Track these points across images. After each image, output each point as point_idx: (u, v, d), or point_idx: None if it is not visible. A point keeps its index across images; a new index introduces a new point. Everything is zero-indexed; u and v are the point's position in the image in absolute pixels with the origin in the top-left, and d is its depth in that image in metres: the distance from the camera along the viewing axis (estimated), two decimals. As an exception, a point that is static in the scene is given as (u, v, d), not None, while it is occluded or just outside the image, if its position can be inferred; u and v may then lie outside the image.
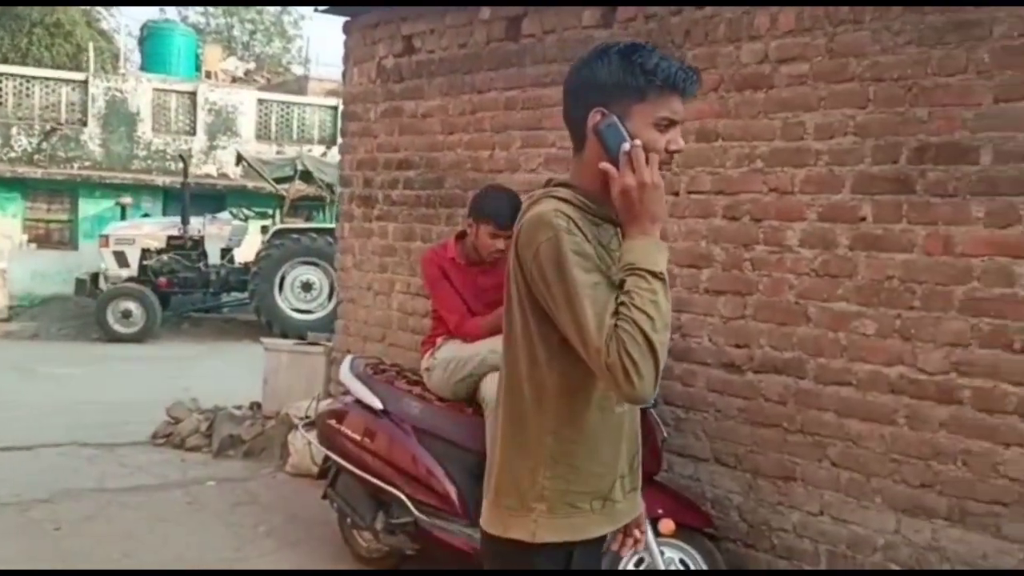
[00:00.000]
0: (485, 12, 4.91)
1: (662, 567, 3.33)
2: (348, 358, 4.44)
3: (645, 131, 1.77)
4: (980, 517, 3.14)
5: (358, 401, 4.21)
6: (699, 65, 3.92)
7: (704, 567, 3.56)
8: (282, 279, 13.11)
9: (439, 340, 4.03)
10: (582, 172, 1.85)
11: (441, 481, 3.90)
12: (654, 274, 1.69)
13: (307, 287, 13.26)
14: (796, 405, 3.61)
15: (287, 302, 13.17)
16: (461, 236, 4.04)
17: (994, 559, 3.11)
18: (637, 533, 2.08)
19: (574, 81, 1.85)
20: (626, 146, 1.75)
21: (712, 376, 3.88)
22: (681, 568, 3.55)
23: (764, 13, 3.71)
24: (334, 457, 4.22)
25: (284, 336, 11.49)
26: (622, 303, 1.67)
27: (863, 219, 3.44)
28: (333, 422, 4.25)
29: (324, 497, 4.40)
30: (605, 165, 1.76)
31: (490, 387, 3.69)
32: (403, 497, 3.90)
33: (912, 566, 3.29)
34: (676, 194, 3.94)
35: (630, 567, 3.48)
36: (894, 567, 3.34)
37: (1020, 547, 3.05)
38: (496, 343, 3.76)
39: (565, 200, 1.80)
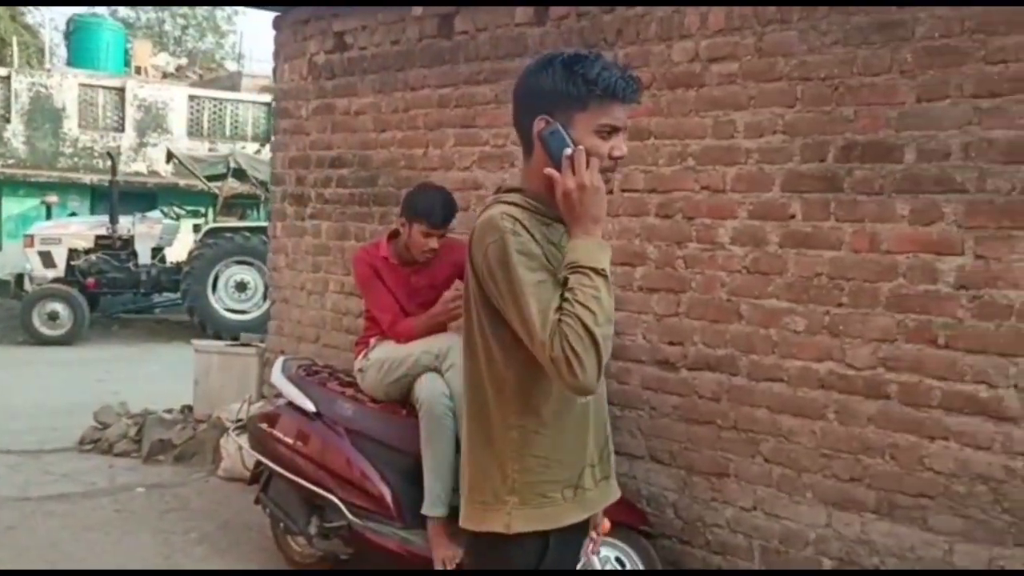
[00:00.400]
0: (417, 9, 4.86)
1: (598, 566, 3.33)
2: (280, 360, 4.36)
3: (587, 138, 1.84)
4: (908, 510, 3.20)
5: (290, 404, 4.14)
6: (631, 63, 3.95)
7: (640, 566, 3.57)
8: (215, 279, 12.87)
9: (372, 341, 3.98)
10: (531, 176, 1.94)
11: (375, 484, 3.85)
12: (596, 271, 1.78)
13: (241, 287, 13.04)
14: (729, 402, 3.64)
15: (221, 302, 12.93)
16: (394, 235, 3.99)
17: (921, 551, 3.16)
18: (593, 534, 2.14)
19: (521, 89, 1.93)
20: (568, 151, 1.82)
21: (647, 374, 3.90)
22: (617, 567, 3.55)
23: (694, 12, 3.73)
24: (266, 462, 4.15)
25: (218, 337, 11.30)
26: (565, 299, 1.75)
27: (792, 217, 3.48)
28: (265, 426, 4.17)
29: (256, 502, 4.32)
30: (549, 170, 1.84)
31: (424, 388, 3.66)
32: (337, 501, 3.84)
33: (842, 559, 3.34)
34: (610, 192, 3.92)
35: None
36: (825, 561, 3.38)
37: (946, 539, 3.11)
38: (430, 344, 3.76)
39: (514, 204, 1.90)
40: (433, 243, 3.79)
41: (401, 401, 3.88)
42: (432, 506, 3.63)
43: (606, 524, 2.19)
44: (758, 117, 3.55)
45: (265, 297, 12.32)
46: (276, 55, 5.93)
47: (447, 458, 3.64)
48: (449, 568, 3.54)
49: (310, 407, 4.01)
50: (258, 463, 4.27)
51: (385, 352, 3.85)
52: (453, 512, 3.71)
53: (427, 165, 4.86)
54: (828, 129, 3.39)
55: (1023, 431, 2.95)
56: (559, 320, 1.72)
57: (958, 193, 3.08)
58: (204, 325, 12.52)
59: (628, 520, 3.61)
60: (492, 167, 4.54)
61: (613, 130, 1.86)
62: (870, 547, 3.29)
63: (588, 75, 1.82)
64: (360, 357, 3.98)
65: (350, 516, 3.80)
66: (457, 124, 4.72)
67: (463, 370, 2.00)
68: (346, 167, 5.35)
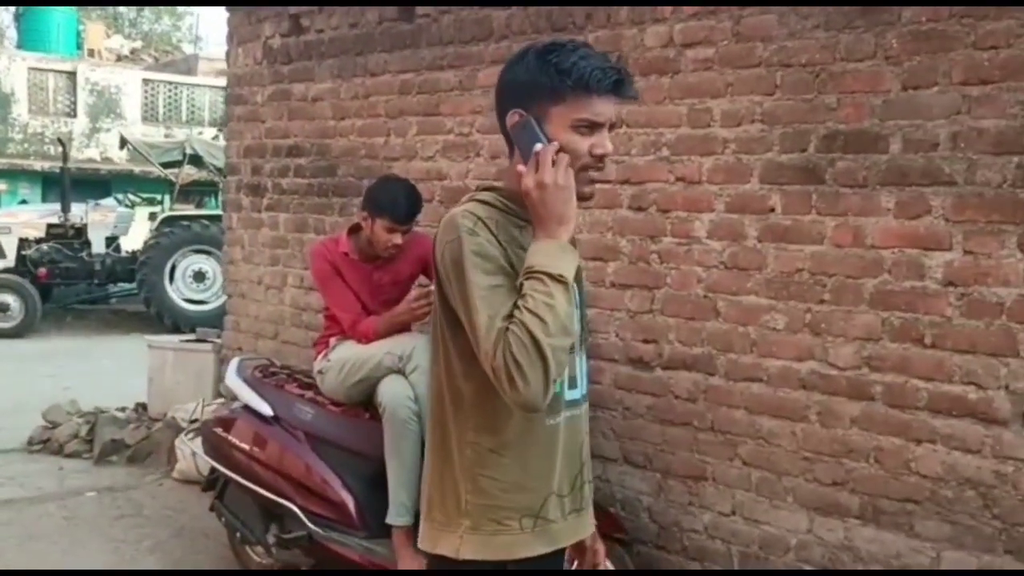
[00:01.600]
0: (377, -10, 4.65)
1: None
2: (235, 361, 4.15)
3: (563, 134, 1.68)
4: (893, 515, 3.07)
5: (246, 407, 3.94)
6: (602, 48, 3.73)
7: None
8: (172, 268, 12.56)
9: (333, 340, 3.78)
10: (508, 174, 1.79)
11: (337, 491, 3.66)
12: (553, 277, 1.61)
13: (200, 277, 12.73)
14: (706, 402, 3.50)
15: (178, 292, 12.62)
16: (355, 229, 3.79)
17: (907, 558, 3.04)
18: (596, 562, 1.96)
19: (499, 82, 1.79)
20: (537, 146, 1.66)
21: (620, 373, 3.74)
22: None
23: (669, -6, 3.56)
24: (221, 469, 3.95)
25: (176, 328, 11.04)
26: (517, 307, 1.59)
27: (772, 210, 3.33)
28: (220, 431, 3.97)
29: (211, 510, 4.11)
30: (520, 167, 1.68)
31: (388, 391, 3.47)
32: (296, 509, 3.66)
33: (825, 566, 3.22)
34: (589, 197, 3.75)
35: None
36: (807, 568, 3.26)
37: (932, 545, 2.99)
38: (393, 344, 3.57)
39: (484, 202, 1.75)
40: (397, 239, 3.60)
41: (364, 404, 3.69)
42: (397, 515, 3.46)
43: (601, 565, 2.01)
44: (735, 105, 3.40)
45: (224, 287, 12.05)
46: (229, 39, 5.70)
47: (412, 464, 3.46)
48: (414, 580, 3.37)
49: (267, 411, 3.82)
50: (213, 469, 4.06)
51: (346, 353, 3.65)
52: (419, 520, 3.54)
53: (389, 154, 4.66)
54: (809, 118, 3.23)
55: (1013, 434, 2.83)
56: (506, 328, 1.57)
57: (946, 185, 2.95)
58: (161, 316, 12.23)
59: (602, 527, 3.44)
60: (457, 157, 4.35)
61: (593, 125, 1.69)
62: (854, 553, 3.16)
63: (561, 65, 1.66)
64: (320, 358, 3.78)
65: (310, 525, 3.62)
66: (420, 112, 4.52)
67: (428, 381, 1.87)
68: (304, 156, 5.13)
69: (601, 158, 1.72)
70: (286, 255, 5.26)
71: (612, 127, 1.74)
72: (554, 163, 1.65)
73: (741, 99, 3.38)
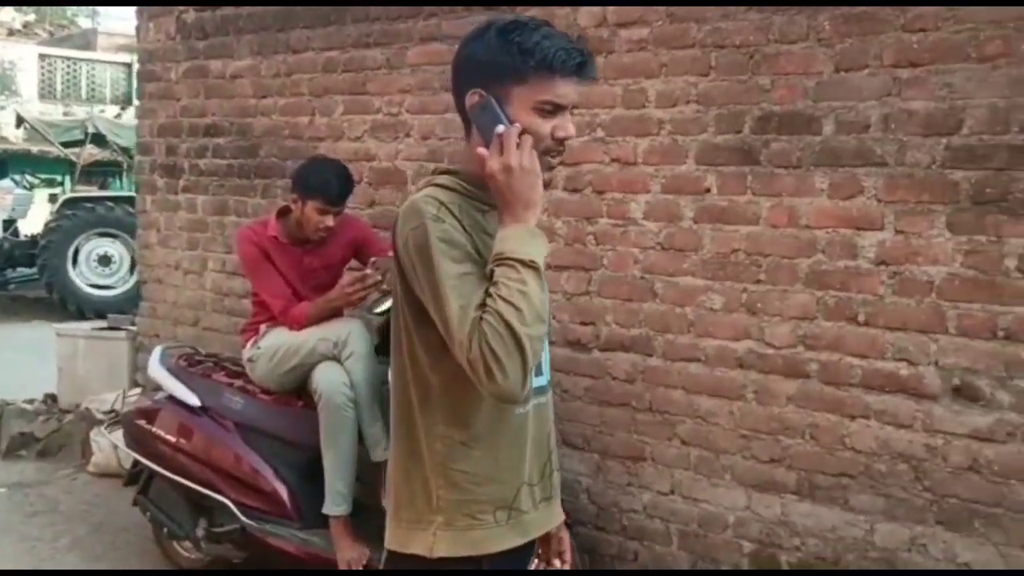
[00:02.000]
0: (298, -36, 4.51)
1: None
2: (157, 349, 3.99)
3: (525, 116, 1.62)
4: (828, 490, 3.14)
5: (171, 397, 3.80)
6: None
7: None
8: (76, 252, 12.02)
9: (262, 327, 3.66)
10: (468, 157, 1.72)
11: (269, 481, 3.57)
12: (524, 263, 1.55)
13: (105, 261, 12.23)
14: (644, 383, 3.51)
15: (83, 277, 12.10)
16: (283, 212, 3.67)
17: (842, 531, 3.12)
18: (557, 562, 1.91)
19: (457, 60, 1.70)
20: (499, 128, 1.60)
21: (557, 355, 3.71)
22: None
23: (602, -27, 3.53)
24: (145, 462, 3.80)
25: (81, 314, 10.61)
26: (489, 295, 1.53)
27: (708, 191, 3.35)
28: (143, 423, 3.82)
29: (135, 504, 3.96)
30: (481, 150, 1.62)
31: (323, 378, 3.39)
32: (227, 502, 3.56)
33: (763, 541, 3.27)
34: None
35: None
36: (745, 544, 3.31)
37: (867, 518, 3.07)
38: (327, 330, 3.48)
39: (444, 187, 1.68)
40: (329, 221, 3.51)
41: (296, 392, 3.59)
42: (334, 504, 3.39)
43: (568, 554, 1.98)
44: (670, 86, 3.40)
45: (132, 271, 11.63)
46: (139, 12, 5.44)
47: (349, 452, 3.40)
48: (355, 569, 3.31)
49: (194, 401, 3.69)
50: (136, 463, 3.91)
51: (277, 339, 3.55)
52: (357, 509, 3.48)
53: (314, 134, 4.53)
54: (744, 99, 3.26)
55: (943, 409, 2.92)
56: (480, 318, 1.51)
57: (878, 167, 3.00)
58: (65, 302, 11.72)
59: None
60: (386, 137, 4.25)
61: (556, 107, 1.63)
62: (790, 528, 3.22)
63: (524, 44, 1.59)
64: (249, 345, 3.67)
65: (243, 517, 3.52)
66: (346, 91, 4.41)
67: (391, 373, 1.77)
68: (223, 136, 4.96)
69: (563, 141, 1.67)
70: (206, 239, 5.09)
71: (574, 109, 1.69)
72: (518, 146, 1.59)
73: (676, 80, 3.38)
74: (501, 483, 1.71)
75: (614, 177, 3.55)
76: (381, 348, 3.51)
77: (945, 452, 2.93)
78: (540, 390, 1.78)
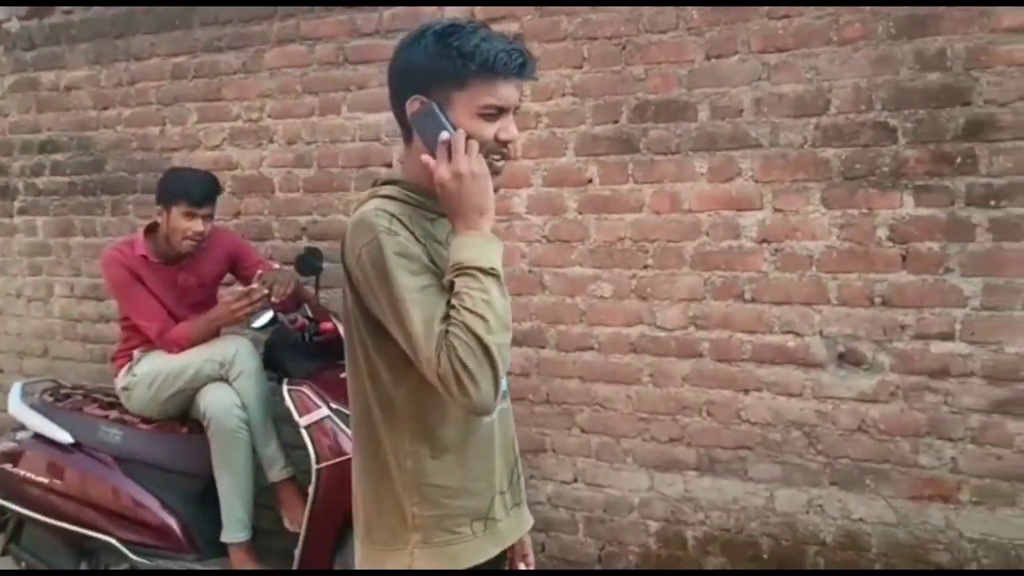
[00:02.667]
0: (136, -34, 4.26)
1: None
2: (16, 386, 3.68)
3: (468, 120, 1.57)
4: (728, 463, 3.26)
5: (37, 436, 3.52)
6: (401, 26, 3.67)
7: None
8: None
9: (136, 353, 3.45)
10: (410, 165, 1.68)
11: (156, 514, 3.38)
12: (485, 271, 1.51)
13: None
14: (540, 375, 3.53)
15: None
16: (151, 229, 3.46)
17: (744, 501, 3.24)
18: (522, 565, 1.89)
19: (393, 67, 1.65)
20: (444, 135, 1.56)
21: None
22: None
23: (468, -31, 3.51)
24: (12, 507, 3.52)
25: None
26: (453, 307, 1.49)
27: (590, 181, 3.39)
28: (7, 466, 3.53)
29: (3, 554, 3.66)
30: (425, 158, 1.58)
31: (212, 400, 3.23)
32: (111, 540, 3.34)
33: (668, 519, 3.36)
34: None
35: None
36: (651, 524, 3.38)
37: (766, 486, 3.20)
38: (212, 351, 3.31)
39: (390, 197, 1.63)
40: (198, 225, 3.33)
41: (179, 418, 3.41)
42: (234, 531, 3.24)
43: (531, 556, 1.96)
44: (545, 79, 3.41)
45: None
46: (-48, 22, 5.00)
47: (245, 476, 3.26)
48: (260, 596, 3.18)
49: (65, 438, 3.43)
50: (2, 509, 3.60)
51: (156, 364, 3.35)
52: (255, 532, 3.34)
53: (167, 145, 4.29)
54: (619, 89, 3.32)
55: (830, 375, 3.08)
56: (446, 331, 1.47)
57: (753, 149, 3.13)
58: None
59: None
60: (247, 143, 4.08)
61: (499, 111, 1.60)
62: (694, 504, 3.32)
63: (464, 48, 1.55)
64: (123, 373, 3.44)
65: (131, 555, 3.32)
66: (199, 97, 4.20)
67: (350, 393, 1.69)
68: (62, 152, 4.63)
69: (506, 143, 1.63)
70: (50, 263, 4.74)
71: (515, 110, 1.67)
72: (465, 151, 1.55)
73: (551, 73, 3.40)
74: (475, 494, 1.68)
75: (494, 173, 3.53)
76: (267, 364, 3.38)
77: (835, 416, 3.09)
78: (503, 396, 1.75)
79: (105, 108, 4.48)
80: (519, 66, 1.58)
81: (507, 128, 1.62)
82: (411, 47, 1.61)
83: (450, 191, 1.55)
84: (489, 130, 1.59)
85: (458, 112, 1.57)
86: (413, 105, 1.60)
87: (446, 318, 1.48)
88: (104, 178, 4.51)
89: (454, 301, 1.49)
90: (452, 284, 1.51)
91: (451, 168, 1.54)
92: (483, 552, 1.69)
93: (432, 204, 1.64)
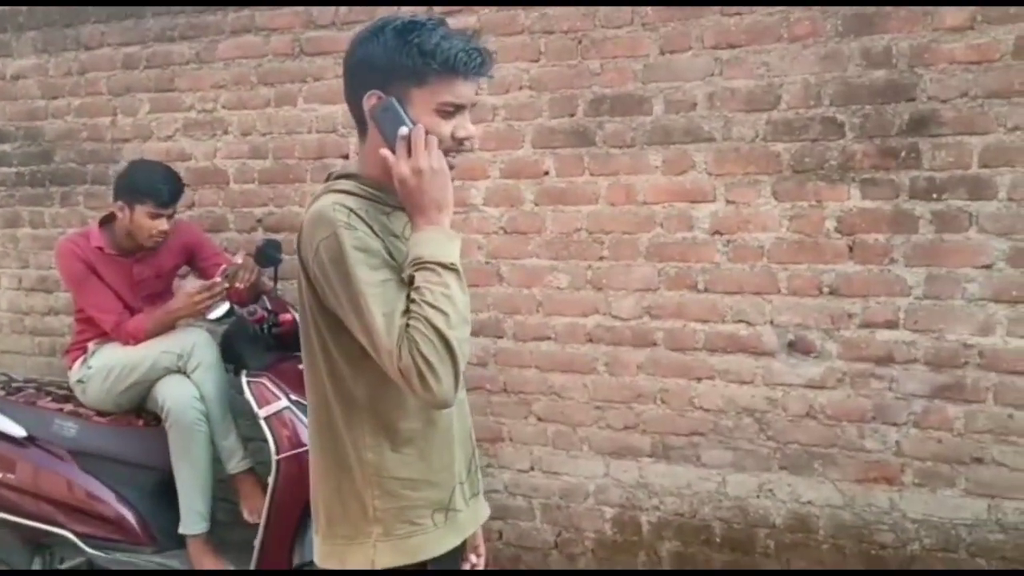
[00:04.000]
0: (86, -47, 4.20)
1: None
2: (-35, 380, 3.63)
3: (426, 117, 1.60)
4: (681, 450, 3.33)
5: (-13, 431, 3.47)
6: (357, 19, 3.68)
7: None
8: None
9: (90, 345, 3.42)
10: (366, 159, 1.69)
11: (113, 507, 3.35)
12: (444, 266, 1.54)
13: None
14: (497, 365, 3.57)
15: None
16: (106, 220, 3.43)
17: (697, 486, 3.32)
18: (474, 557, 1.92)
19: (350, 61, 1.66)
20: (403, 130, 1.58)
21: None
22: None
23: (424, -38, 3.53)
24: (-37, 503, 3.46)
25: None
26: (413, 301, 1.51)
27: (546, 173, 3.44)
28: (-42, 461, 3.47)
29: (-46, 552, 3.61)
30: (384, 152, 1.60)
31: (170, 393, 3.21)
32: (67, 534, 3.31)
33: (623, 505, 3.43)
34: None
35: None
36: (607, 510, 3.45)
37: (718, 472, 3.29)
38: (170, 343, 3.30)
39: (347, 192, 1.64)
40: (163, 224, 3.31)
41: (135, 411, 3.39)
42: (193, 523, 3.23)
43: (482, 548, 1.99)
44: (502, 72, 3.45)
45: None
46: None
47: (204, 468, 3.25)
48: (220, 588, 3.18)
49: (18, 432, 3.38)
50: (-50, 506, 3.55)
51: (111, 357, 3.32)
52: (213, 524, 3.34)
53: (118, 136, 4.25)
54: (575, 83, 3.37)
55: (780, 363, 3.17)
56: (407, 325, 1.49)
57: (706, 142, 3.20)
58: None
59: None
60: (201, 135, 4.06)
61: (457, 108, 1.62)
62: (649, 490, 3.39)
63: (424, 46, 1.56)
64: (77, 366, 3.41)
65: (88, 549, 3.30)
66: (151, 88, 4.16)
67: (307, 387, 1.71)
68: (9, 142, 4.55)
69: (463, 141, 1.65)
70: (-4, 254, 4.66)
71: (472, 108, 1.69)
72: (424, 147, 1.57)
73: (507, 66, 3.44)
74: (436, 485, 1.70)
75: (452, 165, 3.56)
76: (224, 356, 3.38)
77: (784, 403, 3.18)
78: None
79: (54, 98, 4.41)
80: (479, 65, 1.60)
81: (464, 125, 1.64)
82: (369, 41, 1.61)
83: (410, 187, 1.56)
84: (447, 127, 1.61)
85: (416, 108, 1.59)
86: (371, 100, 1.61)
87: (406, 312, 1.50)
88: (53, 169, 4.44)
89: (414, 295, 1.50)
90: (412, 278, 1.53)
91: (411, 164, 1.56)
92: (445, 543, 1.71)
93: (388, 198, 1.66)
